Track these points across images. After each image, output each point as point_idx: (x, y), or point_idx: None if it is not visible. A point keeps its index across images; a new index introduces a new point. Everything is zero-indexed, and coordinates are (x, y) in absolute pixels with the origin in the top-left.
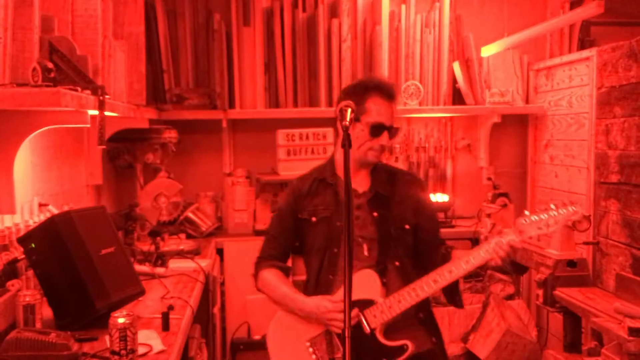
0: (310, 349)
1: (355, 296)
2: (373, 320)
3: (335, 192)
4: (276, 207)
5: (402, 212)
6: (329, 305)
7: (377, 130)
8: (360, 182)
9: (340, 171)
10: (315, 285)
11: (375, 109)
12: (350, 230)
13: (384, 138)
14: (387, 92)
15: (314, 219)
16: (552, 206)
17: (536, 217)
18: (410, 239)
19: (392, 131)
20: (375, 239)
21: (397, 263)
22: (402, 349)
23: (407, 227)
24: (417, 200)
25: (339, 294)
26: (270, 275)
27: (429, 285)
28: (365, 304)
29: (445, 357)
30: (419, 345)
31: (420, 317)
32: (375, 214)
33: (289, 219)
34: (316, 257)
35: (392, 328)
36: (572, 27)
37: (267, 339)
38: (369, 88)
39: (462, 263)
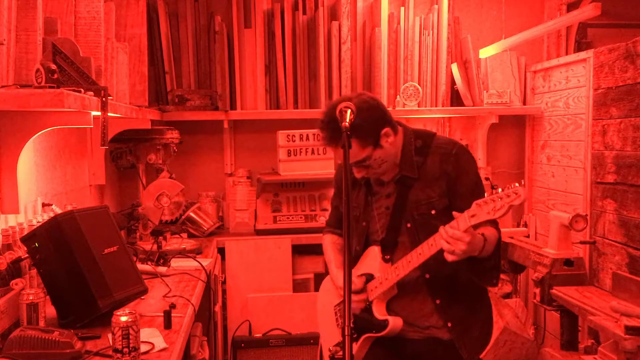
0: (336, 314)
1: (360, 271)
2: (371, 293)
3: (365, 193)
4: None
5: (428, 196)
6: None
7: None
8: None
9: None
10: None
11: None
12: (349, 236)
13: (355, 172)
14: (326, 142)
15: None
16: (500, 190)
17: (489, 200)
18: (439, 222)
19: (360, 164)
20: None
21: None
22: (383, 324)
23: (433, 212)
24: (449, 178)
25: (355, 274)
26: (327, 241)
27: (408, 264)
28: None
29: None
30: (432, 330)
31: (427, 277)
32: (399, 198)
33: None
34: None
35: (398, 296)
36: (569, 29)
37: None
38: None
39: (428, 246)
